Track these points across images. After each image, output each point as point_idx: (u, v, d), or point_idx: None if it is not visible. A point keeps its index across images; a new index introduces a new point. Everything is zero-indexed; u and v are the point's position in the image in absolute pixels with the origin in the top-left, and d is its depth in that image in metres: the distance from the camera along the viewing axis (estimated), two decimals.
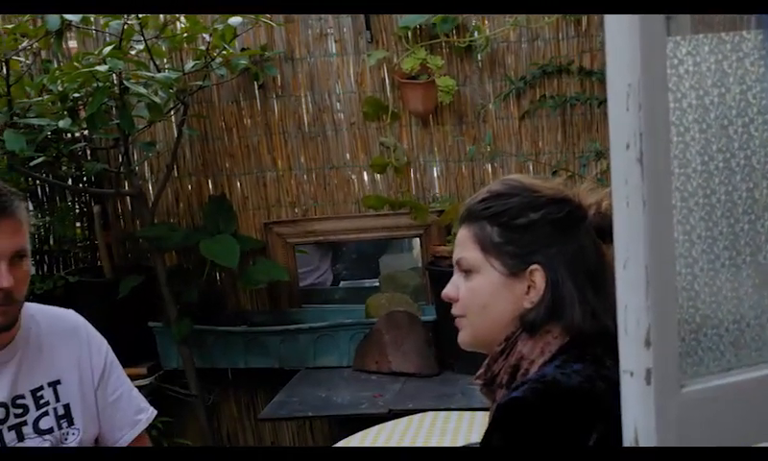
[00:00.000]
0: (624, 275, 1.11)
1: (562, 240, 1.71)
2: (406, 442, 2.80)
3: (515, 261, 1.71)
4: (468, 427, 2.87)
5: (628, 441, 1.13)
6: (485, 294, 1.74)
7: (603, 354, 1.62)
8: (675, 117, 1.15)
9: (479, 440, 1.68)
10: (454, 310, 1.79)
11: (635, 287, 1.11)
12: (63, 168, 4.27)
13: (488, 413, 1.74)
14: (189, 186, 4.43)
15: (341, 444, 2.90)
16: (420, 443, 2.79)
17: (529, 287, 1.71)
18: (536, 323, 1.69)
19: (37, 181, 4.30)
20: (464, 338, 1.80)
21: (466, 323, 1.77)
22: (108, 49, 3.41)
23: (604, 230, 1.70)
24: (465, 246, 1.77)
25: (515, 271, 1.71)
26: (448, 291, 1.80)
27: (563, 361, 1.64)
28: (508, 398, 1.60)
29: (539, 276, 1.70)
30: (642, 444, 1.12)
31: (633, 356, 1.12)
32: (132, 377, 2.66)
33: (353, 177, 4.30)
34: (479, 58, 4.05)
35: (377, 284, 4.53)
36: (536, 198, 1.74)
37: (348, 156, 4.28)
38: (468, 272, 1.76)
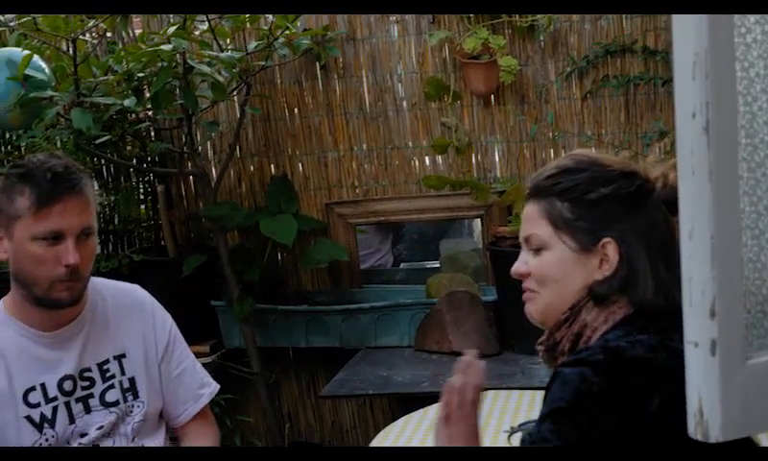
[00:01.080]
0: (689, 245, 1.11)
1: (633, 214, 1.69)
2: None
3: (586, 237, 1.70)
4: (528, 406, 2.87)
5: (692, 412, 1.13)
6: (557, 270, 1.72)
7: (668, 328, 1.60)
8: (742, 87, 1.13)
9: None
10: (526, 284, 1.78)
11: (700, 258, 1.10)
12: (128, 148, 4.33)
13: None
14: (251, 167, 4.46)
15: (401, 421, 2.91)
16: (480, 421, 2.78)
17: (602, 260, 1.69)
18: (606, 295, 1.68)
19: (103, 161, 4.36)
20: (533, 313, 1.79)
21: (537, 297, 1.76)
22: (172, 29, 3.45)
23: (672, 203, 1.69)
24: (534, 222, 1.75)
25: (587, 246, 1.70)
26: (518, 268, 1.78)
27: (626, 331, 1.63)
28: (572, 358, 1.61)
29: (611, 249, 1.68)
30: (707, 416, 1.12)
31: (697, 327, 1.11)
32: (195, 355, 2.69)
33: (414, 157, 4.30)
34: (541, 37, 4.03)
35: (438, 266, 4.54)
36: (605, 172, 1.73)
37: (409, 136, 4.28)
38: (538, 249, 1.75)
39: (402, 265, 5.13)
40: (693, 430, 1.13)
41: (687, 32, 1.09)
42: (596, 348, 1.61)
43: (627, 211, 1.70)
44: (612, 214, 1.69)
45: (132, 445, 2.41)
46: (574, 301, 1.71)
